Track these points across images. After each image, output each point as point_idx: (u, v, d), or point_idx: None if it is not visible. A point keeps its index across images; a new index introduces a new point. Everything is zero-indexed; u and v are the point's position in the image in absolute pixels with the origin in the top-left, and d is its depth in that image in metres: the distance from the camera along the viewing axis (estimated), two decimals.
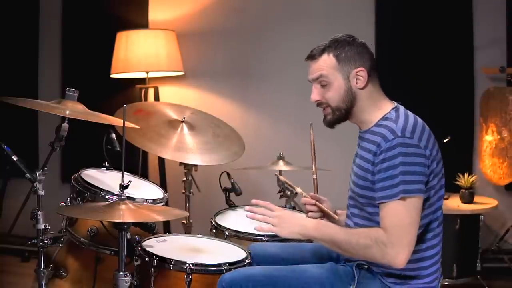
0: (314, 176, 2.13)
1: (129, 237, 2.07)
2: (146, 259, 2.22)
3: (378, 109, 2.00)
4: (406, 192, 1.82)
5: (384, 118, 1.97)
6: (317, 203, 2.17)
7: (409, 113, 1.98)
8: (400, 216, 1.82)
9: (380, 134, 1.90)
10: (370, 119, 2.00)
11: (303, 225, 1.97)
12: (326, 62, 1.99)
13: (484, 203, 3.72)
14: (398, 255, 1.80)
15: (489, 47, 3.96)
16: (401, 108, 2.00)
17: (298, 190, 2.28)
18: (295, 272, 2.00)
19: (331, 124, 2.05)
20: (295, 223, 1.98)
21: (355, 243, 1.86)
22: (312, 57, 2.02)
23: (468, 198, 3.69)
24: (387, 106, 2.01)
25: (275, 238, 2.57)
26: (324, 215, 2.18)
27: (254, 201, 2.03)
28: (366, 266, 1.98)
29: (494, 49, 3.95)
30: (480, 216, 3.61)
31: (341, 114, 2.02)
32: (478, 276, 3.59)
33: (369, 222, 1.97)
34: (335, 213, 2.21)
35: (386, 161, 1.85)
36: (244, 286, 1.95)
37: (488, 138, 3.83)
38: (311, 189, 2.26)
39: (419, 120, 1.95)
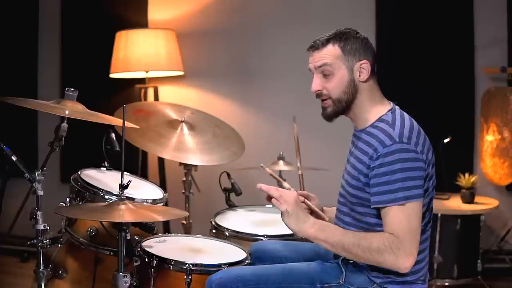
0: (300, 172, 2.08)
1: (128, 237, 2.06)
2: (146, 259, 2.21)
3: (376, 108, 1.99)
4: (407, 198, 1.82)
5: (380, 119, 1.96)
6: (306, 200, 2.14)
7: (405, 115, 1.97)
8: (407, 222, 1.82)
9: (377, 138, 1.89)
10: (367, 117, 1.99)
11: (306, 222, 1.93)
12: (331, 52, 1.97)
13: (485, 203, 3.71)
14: (409, 260, 1.81)
15: (490, 47, 3.96)
16: (397, 109, 1.99)
17: (286, 185, 2.22)
18: (284, 269, 2.00)
19: (330, 117, 2.02)
20: (300, 214, 1.93)
21: (366, 247, 1.84)
22: (315, 46, 1.99)
23: (469, 198, 3.68)
24: (384, 106, 2.00)
25: (274, 239, 2.57)
26: (312, 212, 2.15)
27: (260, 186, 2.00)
28: (351, 262, 1.97)
29: (495, 49, 3.95)
30: (481, 216, 3.60)
31: (341, 107, 1.99)
32: (479, 277, 3.59)
33: (357, 222, 1.97)
34: (322, 210, 2.21)
35: (383, 166, 1.84)
36: (234, 287, 1.94)
37: (489, 138, 3.83)
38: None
39: (414, 123, 1.94)
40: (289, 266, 2.05)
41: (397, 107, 2.01)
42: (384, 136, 1.88)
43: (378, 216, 1.90)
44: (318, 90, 2.00)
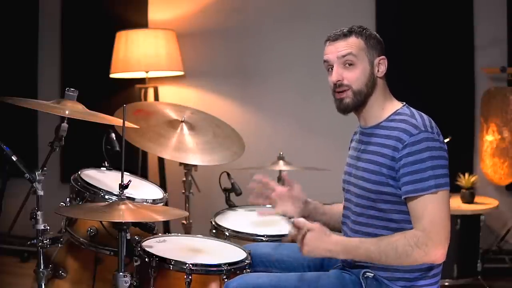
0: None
1: (128, 237, 2.06)
2: (146, 259, 2.21)
3: (389, 104, 2.00)
4: (437, 186, 1.83)
5: (397, 113, 1.97)
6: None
7: (419, 111, 1.98)
8: (436, 211, 1.83)
9: (398, 129, 1.90)
10: (380, 113, 1.99)
11: (330, 250, 1.90)
12: (355, 43, 1.97)
13: (484, 203, 3.72)
14: (439, 251, 1.82)
15: (490, 47, 3.96)
16: (410, 106, 2.01)
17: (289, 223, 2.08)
18: (304, 282, 1.97)
19: (348, 108, 1.99)
20: (322, 248, 1.91)
21: (393, 255, 1.83)
22: (338, 36, 1.98)
23: (469, 198, 3.68)
24: (396, 102, 2.02)
25: (274, 239, 2.57)
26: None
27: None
28: (372, 275, 1.96)
29: (495, 49, 3.95)
30: (481, 216, 3.60)
31: (360, 99, 1.97)
32: (479, 277, 3.59)
33: (378, 221, 1.94)
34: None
35: (412, 155, 1.84)
36: None
37: (488, 138, 3.83)
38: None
39: (429, 117, 1.96)
40: (308, 277, 2.01)
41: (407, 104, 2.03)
42: (408, 126, 1.88)
43: (403, 212, 1.90)
44: (339, 81, 1.97)
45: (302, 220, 1.93)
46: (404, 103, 2.03)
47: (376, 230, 1.95)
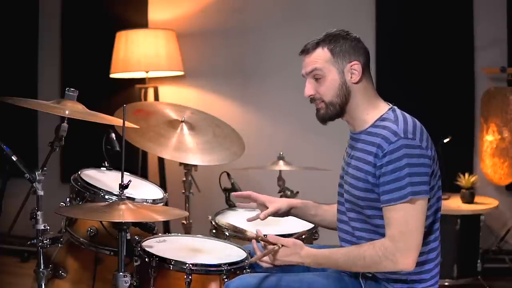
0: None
1: (128, 237, 2.06)
2: (146, 259, 2.21)
3: (374, 108, 1.97)
4: (414, 194, 1.81)
5: (382, 118, 1.94)
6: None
7: (405, 114, 1.95)
8: (408, 220, 1.81)
9: (380, 135, 1.87)
10: (365, 118, 1.97)
11: (302, 263, 1.95)
12: (320, 56, 1.96)
13: (484, 203, 3.72)
14: (408, 259, 1.81)
15: (490, 47, 3.96)
16: (397, 109, 1.98)
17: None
18: (303, 283, 1.97)
19: (323, 119, 2.01)
20: (293, 262, 1.96)
21: (361, 264, 1.86)
22: (306, 51, 2.00)
23: (469, 198, 3.68)
24: (383, 106, 1.98)
25: None
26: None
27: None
28: (370, 275, 1.96)
29: (495, 49, 3.95)
30: (481, 216, 3.61)
31: (335, 110, 1.97)
32: (479, 277, 3.59)
33: (368, 225, 1.95)
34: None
35: (391, 163, 1.83)
36: None
37: (488, 138, 3.83)
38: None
39: (416, 121, 1.93)
40: (307, 278, 2.01)
41: (395, 107, 1.99)
42: (388, 132, 1.86)
43: None
44: (311, 95, 2.00)
45: (275, 237, 1.98)
46: (391, 105, 1.99)
47: (368, 235, 1.95)
